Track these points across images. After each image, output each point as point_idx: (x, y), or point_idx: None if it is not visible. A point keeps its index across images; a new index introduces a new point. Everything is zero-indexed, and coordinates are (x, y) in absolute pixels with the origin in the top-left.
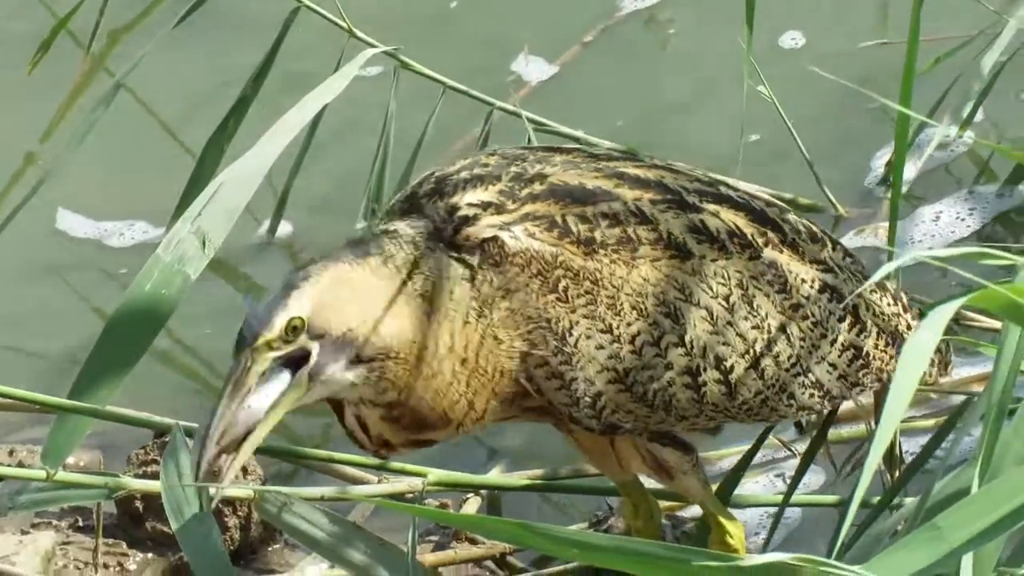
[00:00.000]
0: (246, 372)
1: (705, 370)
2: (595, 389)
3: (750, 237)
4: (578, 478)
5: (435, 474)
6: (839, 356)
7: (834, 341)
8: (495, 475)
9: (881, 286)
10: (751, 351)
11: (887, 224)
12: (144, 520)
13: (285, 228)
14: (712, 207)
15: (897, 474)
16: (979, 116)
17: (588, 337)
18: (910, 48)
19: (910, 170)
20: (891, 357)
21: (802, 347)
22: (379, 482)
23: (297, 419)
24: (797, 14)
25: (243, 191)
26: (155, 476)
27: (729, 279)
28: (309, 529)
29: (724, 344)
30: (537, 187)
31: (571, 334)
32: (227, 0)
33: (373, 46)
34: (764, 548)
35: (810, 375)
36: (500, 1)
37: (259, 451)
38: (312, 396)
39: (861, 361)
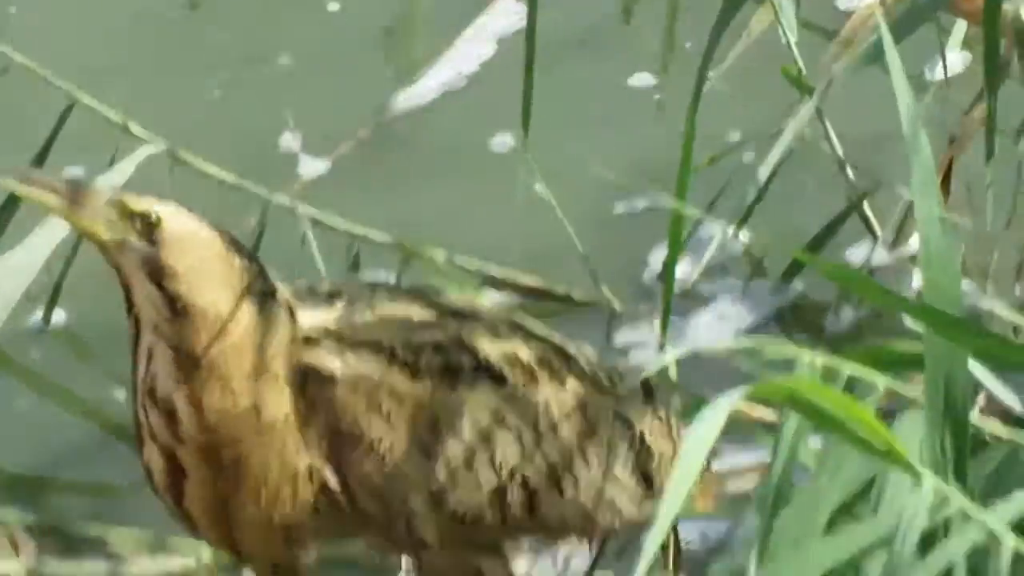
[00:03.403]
0: (89, 191)
1: (512, 491)
2: (409, 507)
3: (553, 367)
4: None
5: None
6: (628, 477)
7: (624, 464)
8: None
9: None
10: (554, 474)
11: None
12: None
13: (60, 315)
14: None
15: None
16: (753, 213)
17: (408, 458)
18: (686, 147)
19: (686, 268)
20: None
21: (597, 470)
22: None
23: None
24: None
25: (17, 282)
26: None
27: (537, 404)
28: None
29: (530, 464)
30: (369, 316)
31: (391, 454)
32: None
33: (147, 142)
34: None
35: (604, 496)
36: (265, 90)
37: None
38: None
39: (646, 481)
